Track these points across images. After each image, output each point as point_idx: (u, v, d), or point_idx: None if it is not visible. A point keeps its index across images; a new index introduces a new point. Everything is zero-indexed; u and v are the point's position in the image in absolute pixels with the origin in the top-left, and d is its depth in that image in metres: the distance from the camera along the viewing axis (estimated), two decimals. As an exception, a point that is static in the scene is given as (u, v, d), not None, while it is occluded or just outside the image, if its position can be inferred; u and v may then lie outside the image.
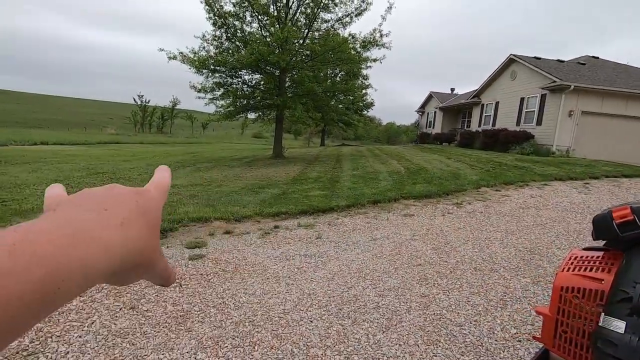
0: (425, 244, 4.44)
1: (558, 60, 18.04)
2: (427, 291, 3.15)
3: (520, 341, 2.43)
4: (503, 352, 2.32)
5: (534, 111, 16.47)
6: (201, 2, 12.72)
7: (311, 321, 2.63)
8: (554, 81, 14.80)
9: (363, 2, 13.27)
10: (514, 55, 17.78)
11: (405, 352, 2.29)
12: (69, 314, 2.63)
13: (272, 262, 3.76)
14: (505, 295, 3.09)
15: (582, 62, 18.23)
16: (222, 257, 3.87)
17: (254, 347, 2.30)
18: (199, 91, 14.18)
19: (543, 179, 9.06)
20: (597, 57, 19.58)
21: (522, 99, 17.30)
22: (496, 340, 2.44)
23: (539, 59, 17.66)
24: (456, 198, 7.08)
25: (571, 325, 0.78)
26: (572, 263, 0.86)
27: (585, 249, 0.91)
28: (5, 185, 7.40)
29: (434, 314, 2.77)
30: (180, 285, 3.15)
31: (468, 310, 2.84)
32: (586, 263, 0.84)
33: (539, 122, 16.09)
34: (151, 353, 2.22)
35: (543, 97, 15.88)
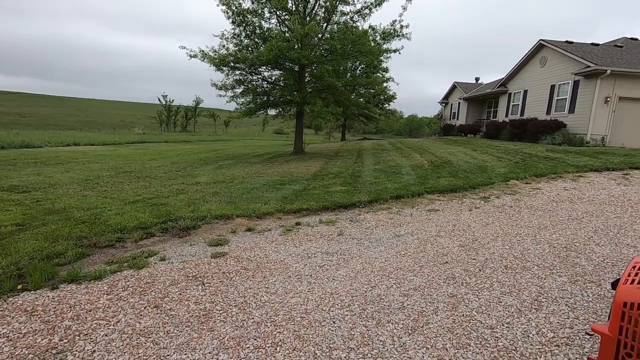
0: (451, 240, 4.27)
1: (592, 44, 16.98)
2: (455, 291, 3.01)
3: (558, 346, 2.27)
4: (539, 357, 2.17)
5: (566, 99, 15.61)
6: (217, 5, 12.82)
7: (334, 322, 2.56)
8: (588, 66, 13.94)
9: (383, -8, 12.95)
10: (543, 40, 16.88)
11: (434, 357, 2.18)
12: (96, 312, 2.68)
13: (293, 260, 3.72)
14: (539, 296, 2.90)
15: (619, 44, 17.07)
16: (243, 255, 3.86)
17: (276, 349, 2.26)
18: (220, 89, 14.35)
19: (577, 170, 8.57)
20: (637, 39, 18.28)
21: (552, 87, 16.43)
22: (531, 345, 2.28)
23: (571, 43, 16.68)
24: (483, 192, 6.80)
25: (638, 348, 0.66)
26: (637, 274, 0.72)
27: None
28: (40, 186, 7.75)
29: (463, 315, 2.64)
30: (203, 284, 3.16)
31: (500, 311, 2.68)
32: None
33: (571, 110, 15.24)
34: (174, 353, 2.22)
35: (576, 83, 15.01)
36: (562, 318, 2.58)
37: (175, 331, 2.44)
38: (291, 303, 2.83)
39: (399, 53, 14.16)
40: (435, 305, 2.77)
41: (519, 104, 19.18)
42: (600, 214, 5.26)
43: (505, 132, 18.04)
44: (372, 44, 13.07)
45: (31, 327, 2.47)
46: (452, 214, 5.46)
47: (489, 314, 2.64)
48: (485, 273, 3.35)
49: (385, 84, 25.95)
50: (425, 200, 6.31)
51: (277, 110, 16.23)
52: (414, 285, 3.11)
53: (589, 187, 6.95)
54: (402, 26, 12.95)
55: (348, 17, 13.64)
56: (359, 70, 22.61)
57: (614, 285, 0.86)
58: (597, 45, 16.98)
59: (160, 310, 2.71)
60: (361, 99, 23.44)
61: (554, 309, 2.70)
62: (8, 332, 2.42)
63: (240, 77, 14.33)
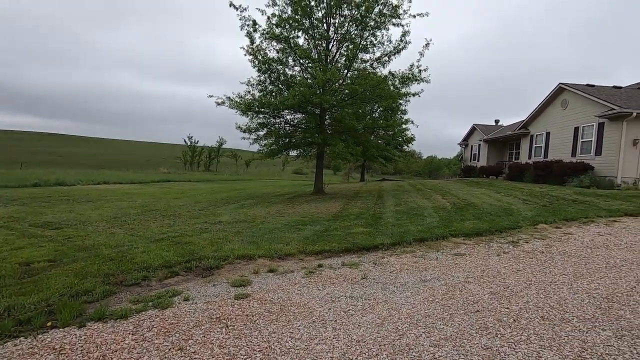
0: (481, 287, 4.09)
1: (614, 87, 16.95)
2: (490, 343, 2.84)
3: (610, 410, 2.07)
4: (590, 423, 1.98)
5: (591, 141, 15.35)
6: (245, 55, 13.77)
7: (362, 372, 2.44)
8: (612, 109, 13.82)
9: (401, 41, 13.60)
10: (563, 84, 17.00)
11: (471, 416, 2.03)
12: (122, 352, 2.67)
13: (317, 304, 3.64)
14: (583, 351, 2.70)
15: (642, 87, 16.98)
16: (267, 297, 3.82)
17: (303, 400, 2.16)
18: (244, 132, 14.93)
19: (610, 214, 8.21)
20: (660, 82, 18.14)
21: (576, 129, 16.25)
22: (580, 408, 2.09)
23: (592, 86, 16.71)
24: (511, 236, 6.57)
25: None
26: None
27: None
28: (72, 223, 8.06)
29: (500, 370, 2.47)
30: (227, 326, 3.12)
31: (540, 367, 2.50)
32: None
33: (598, 153, 14.91)
34: (198, 400, 2.15)
35: (600, 125, 14.81)
36: (612, 378, 2.37)
37: (199, 376, 2.39)
38: (316, 350, 2.74)
39: (419, 96, 14.49)
40: (470, 358, 2.62)
41: (542, 146, 18.97)
42: (641, 262, 4.95)
43: (529, 174, 17.71)
44: (392, 89, 13.49)
45: (59, 366, 2.48)
46: (479, 258, 5.27)
47: (529, 370, 2.46)
48: (521, 324, 3.16)
49: (404, 126, 26.36)
50: (450, 243, 6.14)
51: (298, 151, 16.64)
52: (444, 335, 2.96)
53: (625, 233, 6.61)
54: (420, 70, 13.38)
55: (368, 64, 14.28)
56: (377, 113, 23.23)
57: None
58: (620, 88, 16.94)
59: (184, 353, 2.67)
60: (380, 141, 23.81)
61: (601, 367, 2.49)
62: (37, 370, 2.43)
63: (264, 121, 14.93)
